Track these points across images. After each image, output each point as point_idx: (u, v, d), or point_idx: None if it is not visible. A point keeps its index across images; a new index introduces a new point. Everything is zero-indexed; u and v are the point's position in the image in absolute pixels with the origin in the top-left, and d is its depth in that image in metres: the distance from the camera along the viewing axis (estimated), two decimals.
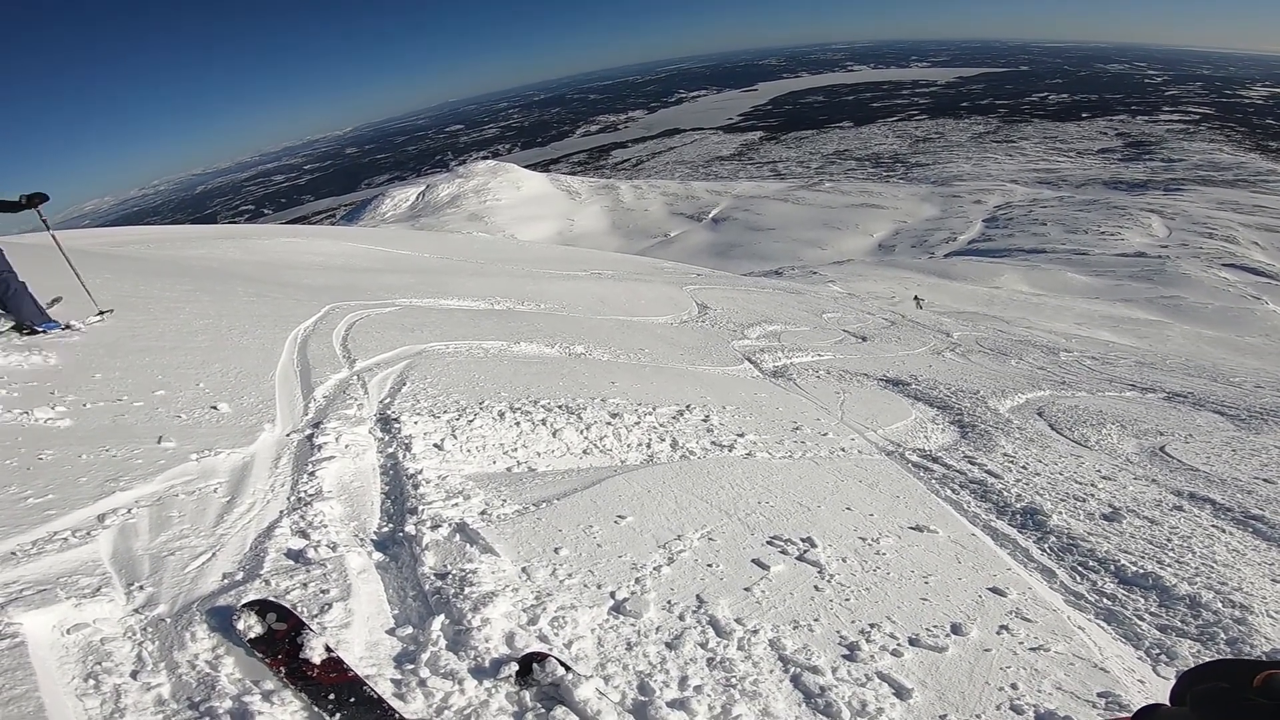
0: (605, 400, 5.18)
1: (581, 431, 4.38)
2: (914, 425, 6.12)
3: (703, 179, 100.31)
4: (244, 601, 2.07)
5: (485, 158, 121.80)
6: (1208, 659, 2.56)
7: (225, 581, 2.24)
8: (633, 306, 12.65)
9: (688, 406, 5.42)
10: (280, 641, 1.90)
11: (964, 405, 6.89)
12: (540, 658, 1.92)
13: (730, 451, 4.50)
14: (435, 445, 3.73)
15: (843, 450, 5.02)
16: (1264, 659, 0.69)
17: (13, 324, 4.94)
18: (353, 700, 1.75)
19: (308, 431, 3.77)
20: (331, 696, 1.75)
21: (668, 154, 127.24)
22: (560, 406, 4.78)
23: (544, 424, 4.35)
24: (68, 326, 5.20)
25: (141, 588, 2.15)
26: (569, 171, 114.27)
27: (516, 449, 3.95)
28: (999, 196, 76.01)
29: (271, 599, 2.11)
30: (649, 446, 4.39)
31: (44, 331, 4.99)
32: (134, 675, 1.75)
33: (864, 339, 11.86)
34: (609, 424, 4.61)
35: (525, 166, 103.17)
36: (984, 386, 8.12)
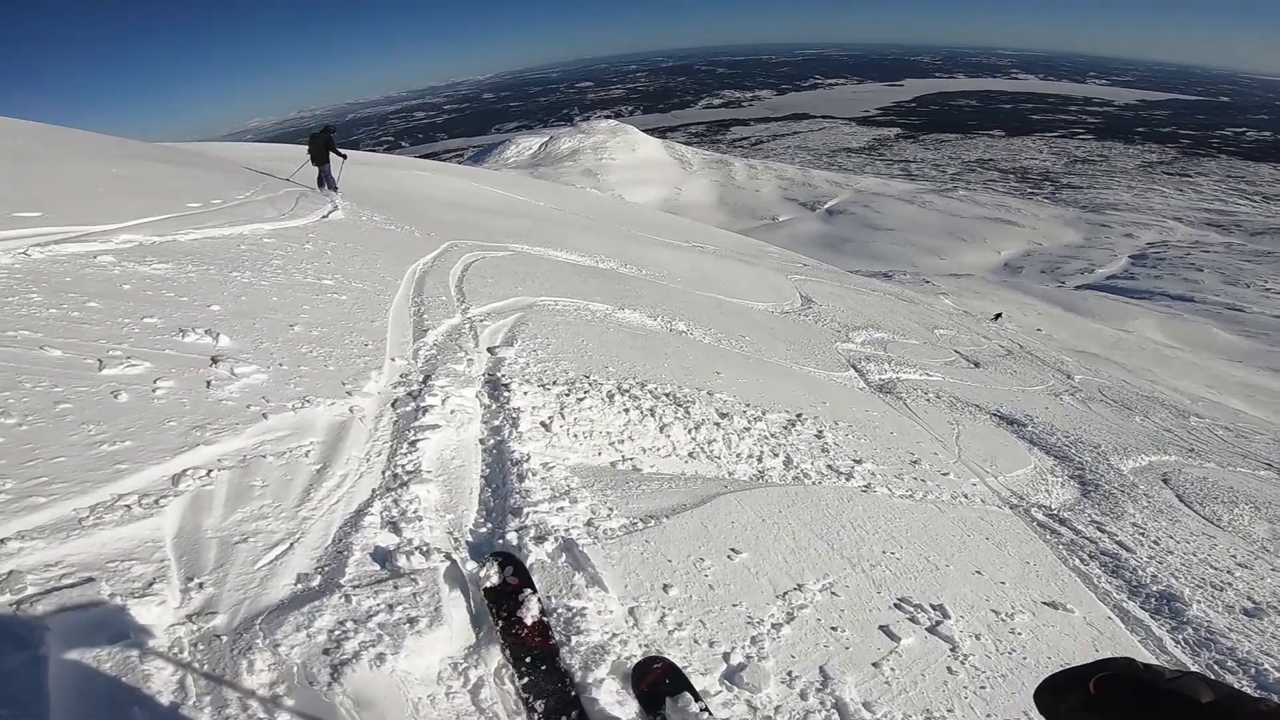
0: (712, 394, 4.86)
1: (690, 431, 4.08)
2: (1034, 475, 5.60)
3: (824, 168, 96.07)
4: (492, 551, 2.24)
5: (608, 117, 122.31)
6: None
7: (298, 588, 1.91)
8: (734, 287, 12.38)
9: (799, 416, 5.02)
10: (509, 595, 2.05)
11: (1085, 459, 6.26)
12: (673, 689, 1.81)
13: (848, 481, 4.09)
14: (542, 424, 3.49)
15: (965, 497, 4.56)
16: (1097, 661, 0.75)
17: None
18: (544, 668, 1.84)
19: (414, 387, 3.56)
20: (528, 659, 1.86)
21: (790, 138, 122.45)
22: (668, 395, 4.51)
23: (652, 414, 4.09)
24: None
25: (201, 585, 1.83)
26: (685, 141, 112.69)
27: (623, 440, 3.69)
28: (1155, 233, 67.97)
29: (514, 554, 2.25)
30: (760, 460, 4.03)
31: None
32: (174, 710, 1.45)
33: (977, 364, 11.02)
34: (718, 425, 4.29)
35: (644, 130, 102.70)
36: (1105, 440, 7.39)
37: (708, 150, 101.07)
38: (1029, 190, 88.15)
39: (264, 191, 8.93)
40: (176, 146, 16.90)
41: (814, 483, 3.91)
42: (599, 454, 3.47)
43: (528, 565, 2.29)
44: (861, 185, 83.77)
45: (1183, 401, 13.48)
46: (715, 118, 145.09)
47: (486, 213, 13.58)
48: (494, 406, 3.58)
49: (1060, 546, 4.06)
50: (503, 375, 4.05)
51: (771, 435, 4.47)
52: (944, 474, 4.91)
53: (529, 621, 1.95)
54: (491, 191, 18.80)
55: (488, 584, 2.07)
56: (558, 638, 1.95)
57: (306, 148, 10.81)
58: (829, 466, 4.23)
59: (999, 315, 22.62)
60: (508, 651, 1.87)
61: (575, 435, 3.53)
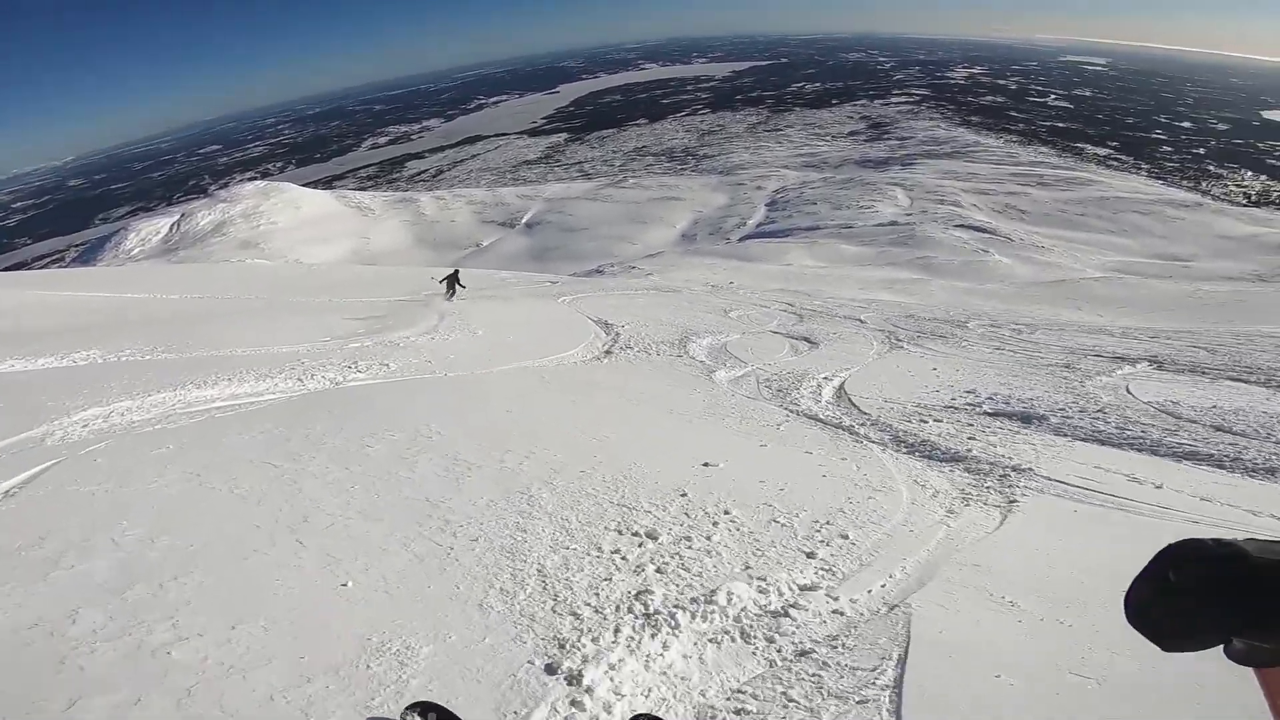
0: None
1: None
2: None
3: (511, 184, 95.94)
4: (406, 704, 2.06)
5: (253, 178, 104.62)
6: None
7: None
8: (527, 344, 9.36)
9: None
10: None
11: (1124, 432, 5.12)
12: None
13: None
14: None
15: None
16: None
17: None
18: None
19: None
20: None
21: (471, 161, 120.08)
22: None
23: None
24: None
25: None
26: (358, 187, 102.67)
27: None
28: (775, 181, 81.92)
29: (432, 701, 2.09)
30: None
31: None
32: None
33: (814, 343, 9.92)
34: None
35: (304, 185, 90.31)
36: (1034, 388, 6.85)
37: (388, 192, 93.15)
38: (679, 167, 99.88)
39: None
40: None
41: None
42: None
43: None
44: (549, 193, 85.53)
45: (930, 311, 14.52)
46: (385, 156, 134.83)
47: (63, 341, 7.82)
48: None
49: None
50: None
51: None
52: None
53: None
54: (89, 298, 12.21)
55: None
56: None
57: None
58: None
59: (732, 282, 23.30)
60: None
61: None
